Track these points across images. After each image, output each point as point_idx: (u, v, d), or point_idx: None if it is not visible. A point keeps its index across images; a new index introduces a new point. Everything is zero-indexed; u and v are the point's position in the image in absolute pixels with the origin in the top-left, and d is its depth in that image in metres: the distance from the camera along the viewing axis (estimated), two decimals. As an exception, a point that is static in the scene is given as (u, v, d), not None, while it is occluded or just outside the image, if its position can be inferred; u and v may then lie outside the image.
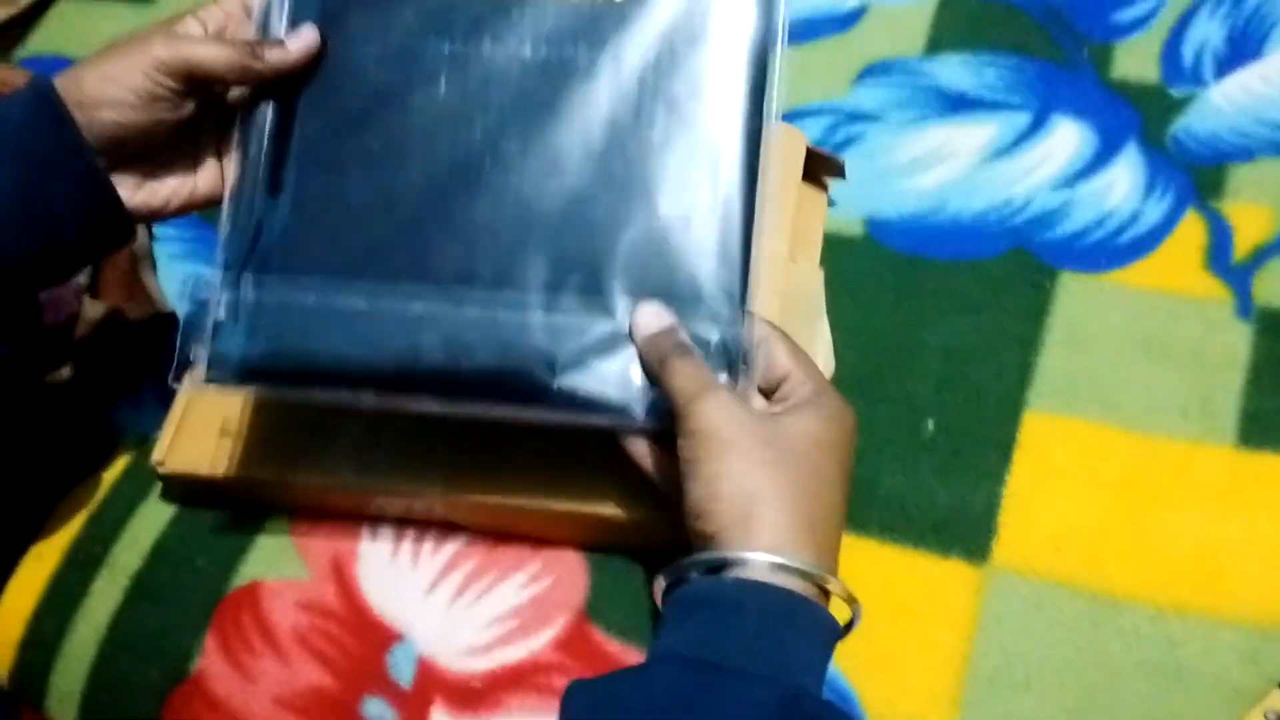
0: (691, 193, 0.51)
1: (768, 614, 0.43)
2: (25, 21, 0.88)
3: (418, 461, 0.57)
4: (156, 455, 0.60)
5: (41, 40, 0.87)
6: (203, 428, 0.60)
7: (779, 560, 0.44)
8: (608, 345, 0.50)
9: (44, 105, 0.50)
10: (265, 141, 0.53)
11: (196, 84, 0.51)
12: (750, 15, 0.52)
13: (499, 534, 0.59)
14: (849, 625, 0.47)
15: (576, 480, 0.55)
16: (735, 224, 0.51)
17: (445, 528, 0.59)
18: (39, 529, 0.63)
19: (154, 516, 0.62)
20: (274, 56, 0.52)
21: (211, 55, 0.51)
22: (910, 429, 0.60)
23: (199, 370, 0.52)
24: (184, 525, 0.62)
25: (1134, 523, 0.56)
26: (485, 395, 0.50)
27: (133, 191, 0.53)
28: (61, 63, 0.84)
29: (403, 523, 0.60)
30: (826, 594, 0.46)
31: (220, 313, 0.52)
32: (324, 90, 0.54)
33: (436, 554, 0.59)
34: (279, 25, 0.54)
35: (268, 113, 0.53)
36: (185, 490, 0.62)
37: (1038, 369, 0.61)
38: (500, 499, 0.56)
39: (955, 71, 0.72)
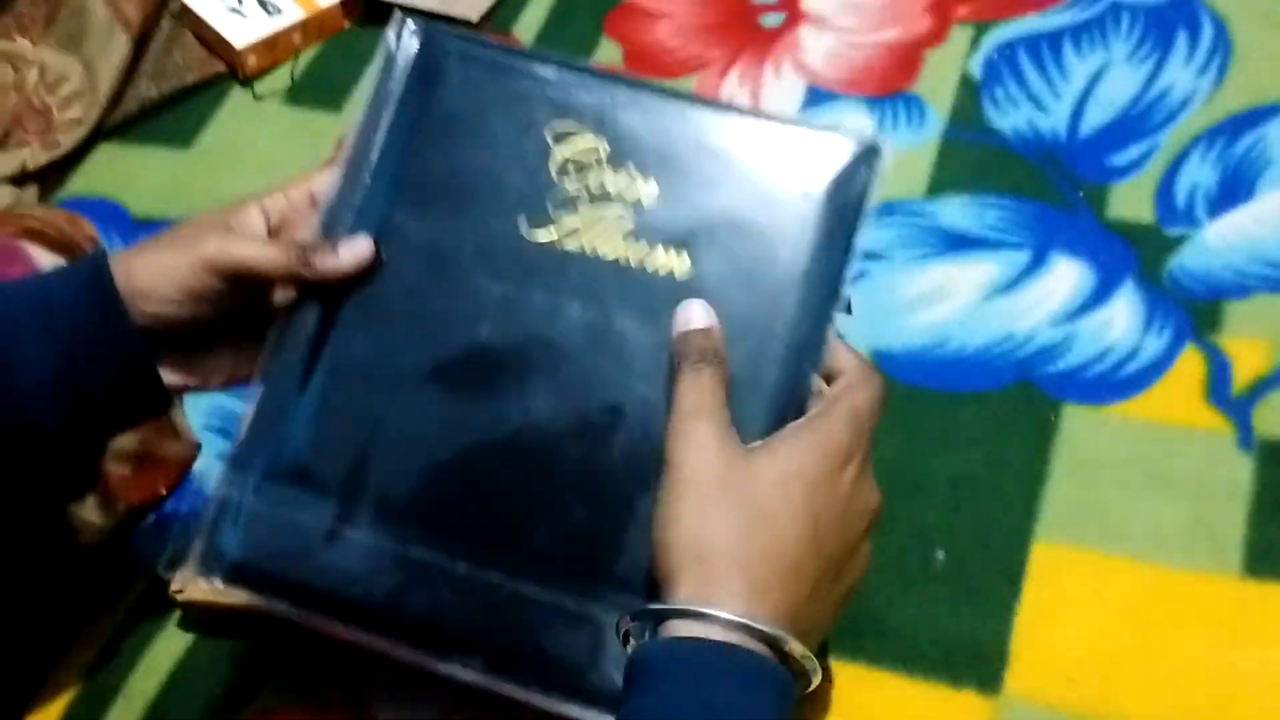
0: None
1: (717, 678, 0.41)
2: (66, 164, 0.92)
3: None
4: (175, 584, 0.61)
5: (82, 182, 0.91)
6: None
7: (731, 618, 0.41)
8: (593, 635, 0.48)
9: (98, 289, 0.49)
10: (300, 348, 0.52)
11: (243, 282, 0.51)
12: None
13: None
14: (808, 685, 0.44)
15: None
16: None
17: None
18: (59, 657, 0.63)
19: (171, 645, 0.63)
20: (325, 265, 0.51)
21: (262, 258, 0.50)
22: (920, 560, 0.61)
23: (193, 561, 0.51)
24: (200, 654, 0.62)
25: (1145, 653, 0.56)
26: (464, 658, 0.49)
27: (173, 370, 0.52)
28: (102, 204, 0.89)
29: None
30: (784, 654, 0.43)
31: (222, 511, 0.51)
32: (368, 305, 0.52)
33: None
34: (344, 225, 0.52)
35: (308, 318, 0.52)
36: (202, 619, 0.63)
37: (1045, 500, 0.62)
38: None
39: (956, 212, 0.75)
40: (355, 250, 0.51)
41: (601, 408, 0.49)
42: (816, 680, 0.44)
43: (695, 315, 0.48)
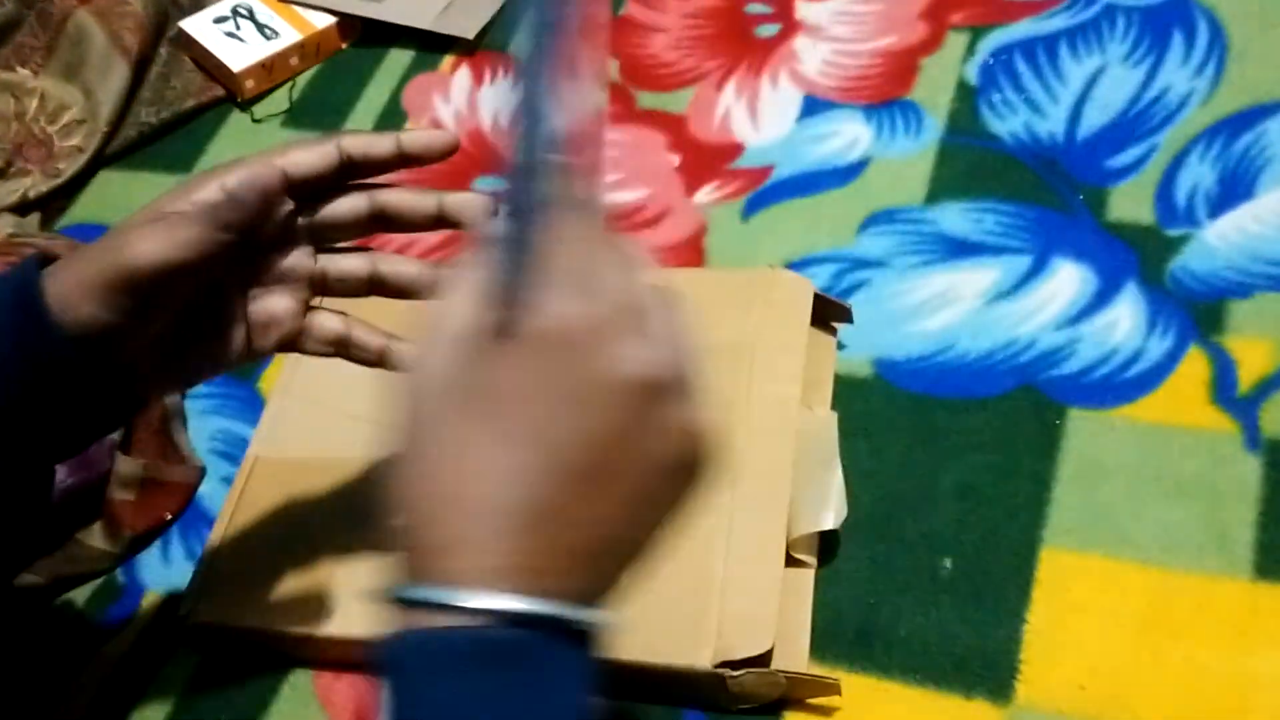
0: None
1: (483, 684, 0.31)
2: (68, 192, 0.92)
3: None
4: (183, 607, 0.61)
5: (83, 209, 0.91)
6: (228, 581, 0.61)
7: (491, 606, 0.31)
8: None
9: (23, 298, 0.46)
10: None
11: (169, 279, 0.47)
12: None
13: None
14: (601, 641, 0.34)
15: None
16: None
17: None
18: (68, 684, 0.63)
19: (179, 669, 0.63)
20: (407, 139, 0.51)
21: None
22: (929, 569, 0.60)
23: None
24: (208, 677, 0.62)
25: (1157, 659, 0.55)
26: None
27: (154, 373, 0.50)
28: (103, 231, 0.89)
29: (425, 672, 0.60)
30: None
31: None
32: None
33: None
34: None
35: None
36: (211, 641, 0.63)
37: (1052, 505, 0.62)
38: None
39: (956, 218, 0.75)
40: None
41: None
42: (604, 628, 0.34)
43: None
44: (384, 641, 0.33)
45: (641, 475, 0.34)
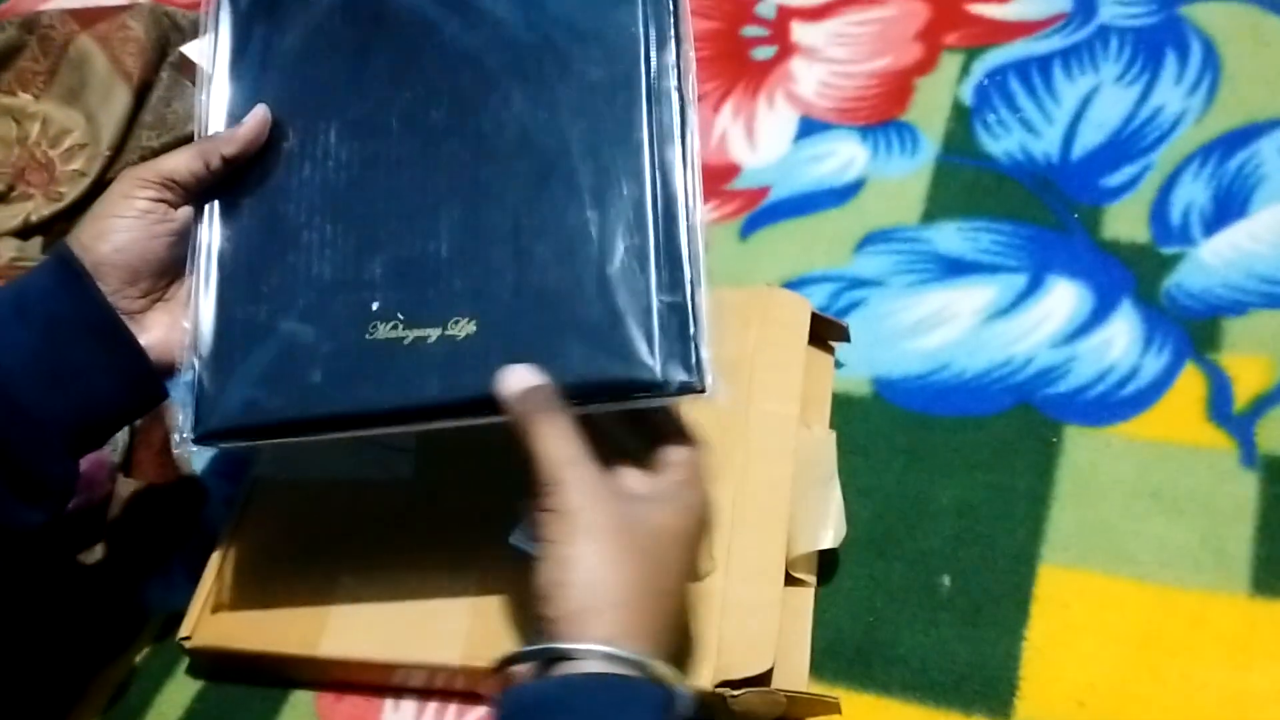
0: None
1: (595, 710, 0.43)
2: (70, 215, 0.92)
3: (439, 633, 0.58)
4: (184, 630, 0.61)
5: (85, 233, 0.92)
6: (229, 603, 0.61)
7: (611, 650, 0.44)
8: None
9: (61, 265, 0.53)
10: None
11: (173, 189, 0.54)
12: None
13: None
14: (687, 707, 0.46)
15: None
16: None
17: (467, 698, 0.60)
18: (69, 706, 0.63)
19: (181, 691, 0.63)
20: (239, 134, 0.55)
21: (178, 157, 0.55)
22: (927, 587, 0.61)
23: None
24: (210, 700, 0.62)
25: (1156, 675, 0.56)
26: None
27: (165, 333, 0.55)
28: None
29: (425, 693, 0.60)
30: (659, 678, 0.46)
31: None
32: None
33: (459, 724, 0.59)
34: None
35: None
36: (212, 664, 0.63)
37: (1050, 523, 0.62)
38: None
39: (951, 238, 0.75)
40: (255, 117, 0.56)
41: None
42: (685, 696, 0.46)
43: (524, 374, 0.50)
44: (520, 690, 0.45)
45: (685, 571, 0.50)
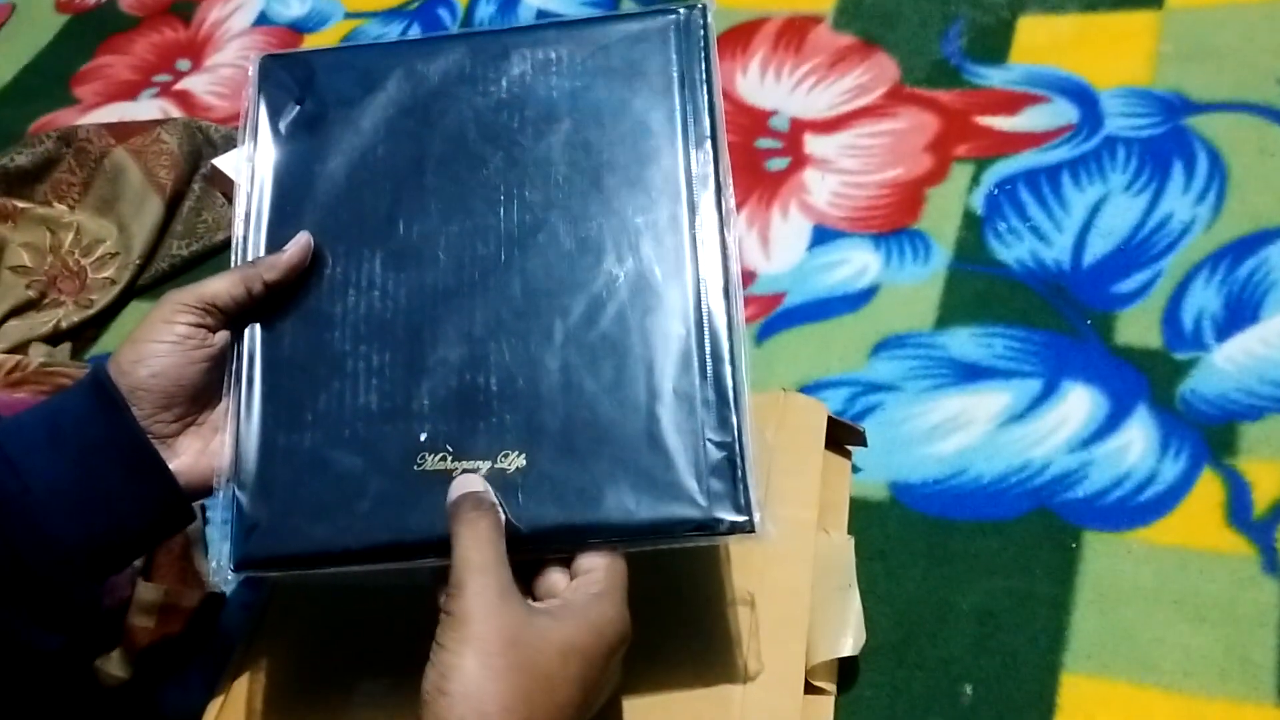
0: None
1: None
2: (99, 322, 0.94)
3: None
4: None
5: (114, 340, 0.94)
6: (247, 708, 0.61)
7: None
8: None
9: (98, 390, 0.53)
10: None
11: (213, 314, 0.55)
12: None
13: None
14: None
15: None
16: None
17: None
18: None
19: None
20: (280, 261, 0.56)
21: (219, 282, 0.55)
22: (948, 696, 0.60)
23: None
24: (223, 811, 0.61)
25: (1184, 788, 0.55)
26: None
27: (195, 459, 0.54)
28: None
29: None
30: None
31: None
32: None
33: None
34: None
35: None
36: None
37: (1071, 630, 0.61)
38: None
39: (965, 343, 0.76)
40: (299, 244, 0.56)
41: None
42: None
43: (468, 480, 0.51)
44: None
45: (587, 688, 0.48)
